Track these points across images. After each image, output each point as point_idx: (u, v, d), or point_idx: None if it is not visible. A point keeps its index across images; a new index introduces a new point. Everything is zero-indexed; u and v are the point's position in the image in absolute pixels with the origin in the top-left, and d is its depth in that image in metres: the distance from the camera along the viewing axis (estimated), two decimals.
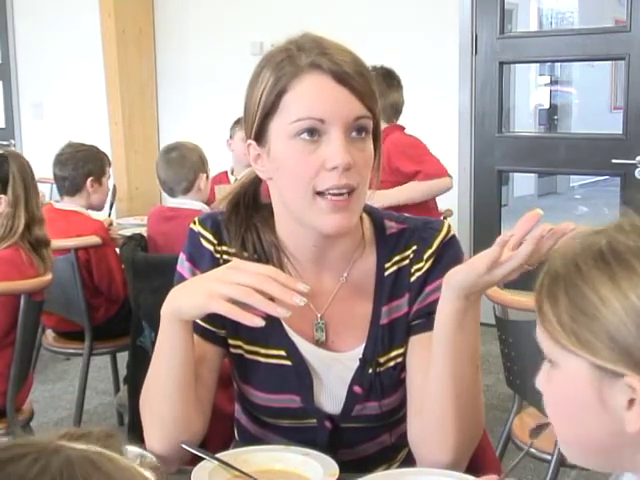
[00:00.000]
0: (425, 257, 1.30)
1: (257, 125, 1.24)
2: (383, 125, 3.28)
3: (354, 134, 1.21)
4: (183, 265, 1.34)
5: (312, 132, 1.19)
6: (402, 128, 3.53)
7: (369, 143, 1.24)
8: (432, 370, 1.21)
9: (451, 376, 1.19)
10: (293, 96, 1.20)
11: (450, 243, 1.31)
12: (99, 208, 3.55)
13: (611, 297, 0.78)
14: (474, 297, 1.15)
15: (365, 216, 1.35)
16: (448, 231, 1.32)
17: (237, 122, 4.14)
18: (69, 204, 3.38)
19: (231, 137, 4.18)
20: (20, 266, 2.45)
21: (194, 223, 1.35)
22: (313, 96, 1.20)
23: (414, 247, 1.31)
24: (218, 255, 1.32)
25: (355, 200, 1.22)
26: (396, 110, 3.48)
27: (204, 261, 1.32)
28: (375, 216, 1.36)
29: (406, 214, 1.39)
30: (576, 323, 0.79)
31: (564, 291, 0.81)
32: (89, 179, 3.36)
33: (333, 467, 1.18)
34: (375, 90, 1.24)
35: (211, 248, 1.32)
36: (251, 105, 1.25)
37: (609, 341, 0.77)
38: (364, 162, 1.23)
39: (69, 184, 3.38)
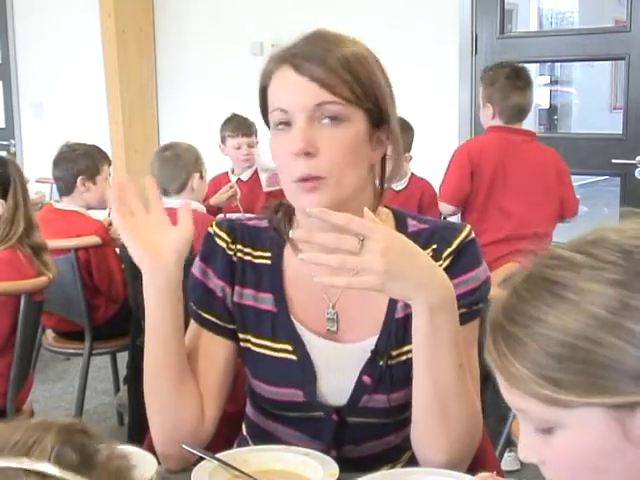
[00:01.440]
0: (444, 256, 1.31)
1: (264, 119, 1.32)
2: (497, 122, 3.37)
3: (323, 121, 1.23)
4: (196, 266, 1.37)
5: (280, 122, 1.25)
6: (506, 131, 3.38)
7: (344, 129, 1.24)
8: (414, 369, 1.22)
9: (430, 375, 1.20)
10: (270, 91, 1.28)
11: (470, 244, 1.32)
12: (100, 206, 3.55)
13: (585, 326, 0.73)
14: (412, 303, 1.17)
15: (388, 213, 1.38)
16: (469, 233, 1.33)
17: (225, 124, 4.09)
18: (68, 204, 3.38)
19: (223, 142, 4.11)
20: (19, 267, 2.45)
21: (211, 226, 1.39)
22: (277, 88, 1.27)
23: (434, 246, 1.32)
24: (231, 252, 1.36)
25: (331, 184, 1.23)
26: (518, 111, 3.38)
27: (217, 257, 1.36)
28: (398, 214, 1.38)
29: (429, 216, 1.44)
30: (573, 374, 0.73)
31: (538, 348, 0.74)
32: (79, 178, 3.35)
33: (333, 467, 1.18)
34: (349, 78, 1.22)
35: (224, 245, 1.36)
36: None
37: (619, 373, 0.71)
38: (335, 148, 1.23)
39: (62, 184, 3.39)
